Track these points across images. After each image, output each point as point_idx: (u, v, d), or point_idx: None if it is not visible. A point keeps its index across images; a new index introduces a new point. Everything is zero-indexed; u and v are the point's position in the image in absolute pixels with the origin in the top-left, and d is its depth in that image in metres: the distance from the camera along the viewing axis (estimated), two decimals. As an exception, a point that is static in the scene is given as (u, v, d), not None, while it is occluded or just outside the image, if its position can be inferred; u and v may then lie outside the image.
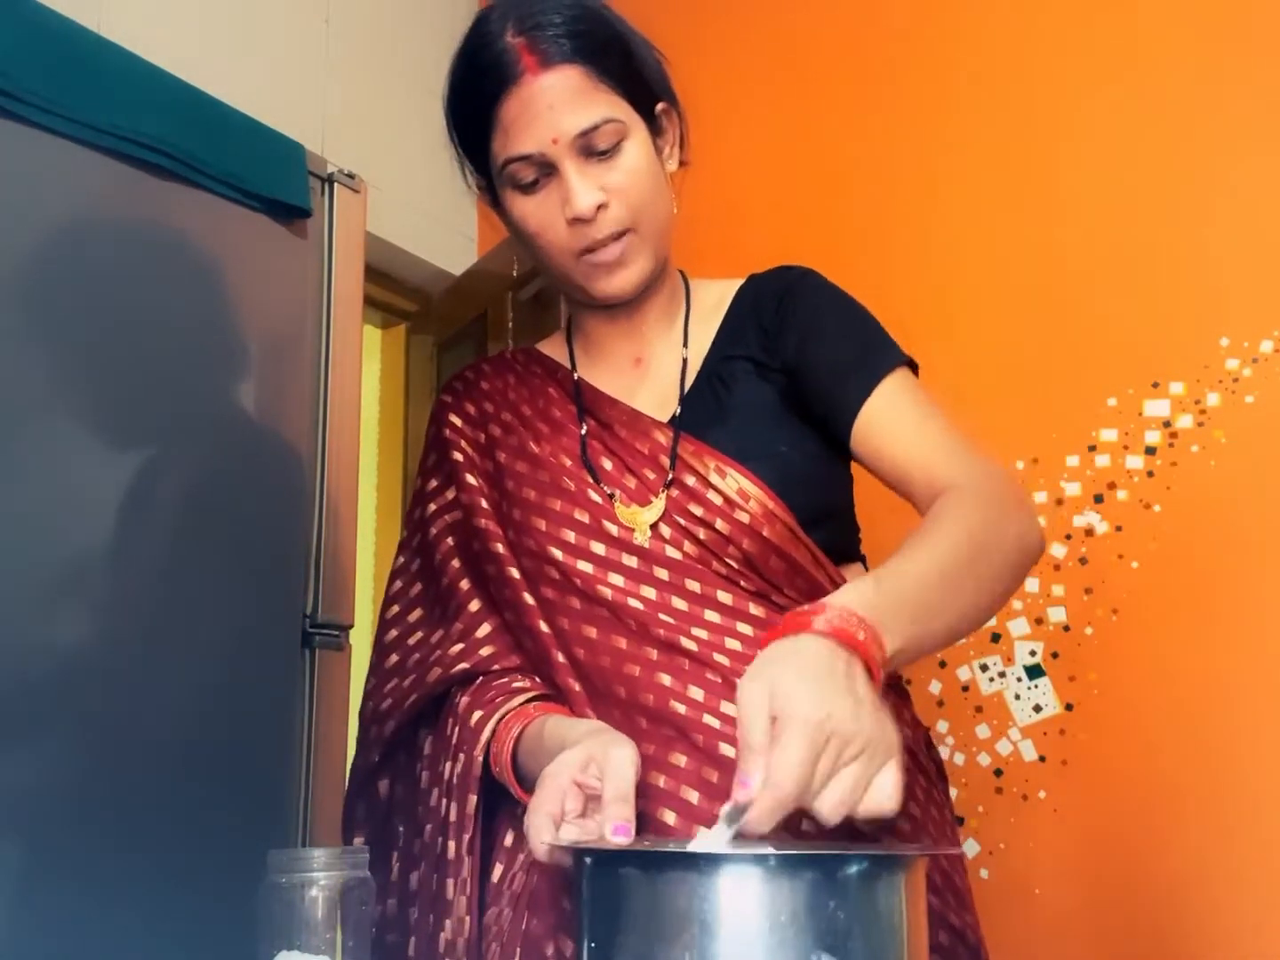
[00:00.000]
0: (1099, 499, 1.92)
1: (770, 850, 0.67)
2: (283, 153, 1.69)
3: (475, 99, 1.06)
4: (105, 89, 1.45)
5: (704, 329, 1.14)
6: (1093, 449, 1.93)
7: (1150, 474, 1.88)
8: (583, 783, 0.86)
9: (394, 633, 1.14)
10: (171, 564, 1.48)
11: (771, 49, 2.36)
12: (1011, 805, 1.92)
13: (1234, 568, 1.80)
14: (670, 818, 0.92)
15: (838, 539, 1.08)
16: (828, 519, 1.06)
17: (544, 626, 1.03)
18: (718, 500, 1.02)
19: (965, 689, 1.98)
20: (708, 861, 0.66)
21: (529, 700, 1.00)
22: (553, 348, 1.21)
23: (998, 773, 1.93)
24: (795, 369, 1.08)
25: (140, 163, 1.48)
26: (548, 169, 1.03)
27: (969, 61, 2.17)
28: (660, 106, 1.10)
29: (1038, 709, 1.93)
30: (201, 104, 1.59)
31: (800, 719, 0.71)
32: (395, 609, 1.16)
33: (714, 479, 1.02)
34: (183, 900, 1.40)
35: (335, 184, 1.78)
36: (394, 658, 1.13)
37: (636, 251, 1.06)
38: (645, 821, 0.92)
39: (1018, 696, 1.95)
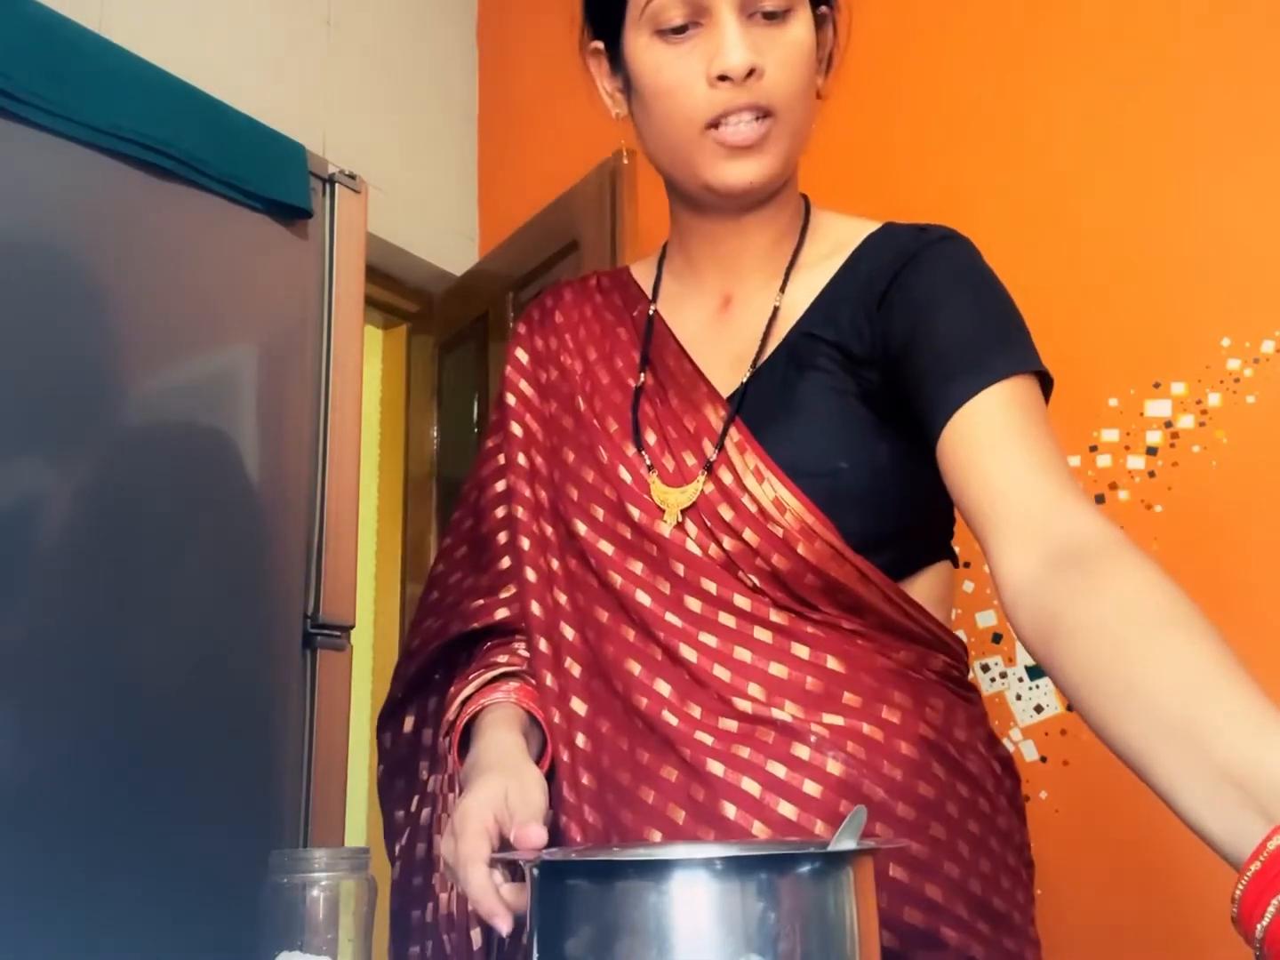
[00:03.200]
0: (1100, 499, 1.92)
1: (701, 853, 0.65)
2: (283, 153, 1.69)
3: None
4: (106, 89, 1.45)
5: (810, 277, 0.99)
6: (1094, 449, 1.93)
7: (1151, 474, 1.88)
8: (500, 819, 0.81)
9: (440, 567, 1.10)
10: (172, 564, 1.48)
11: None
12: (1013, 806, 1.92)
13: (1235, 568, 1.80)
14: (656, 837, 0.88)
15: (909, 553, 0.96)
16: (895, 538, 0.94)
17: (538, 610, 0.98)
18: (751, 508, 0.91)
19: (966, 689, 1.98)
20: (638, 867, 0.63)
21: (499, 676, 0.97)
22: (643, 271, 1.10)
23: (999, 773, 1.93)
24: (898, 358, 0.91)
25: (141, 163, 1.49)
26: (700, 16, 0.91)
27: (969, 62, 2.17)
28: (824, 9, 0.99)
29: (1039, 709, 1.93)
30: (202, 104, 1.59)
31: None
32: (448, 541, 1.11)
33: (750, 482, 0.92)
34: (184, 900, 1.40)
35: (336, 184, 1.78)
36: (434, 594, 1.09)
37: (775, 141, 0.93)
38: (630, 837, 0.89)
39: (1019, 697, 1.95)
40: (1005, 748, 1.00)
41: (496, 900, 0.77)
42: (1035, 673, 1.94)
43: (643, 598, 0.95)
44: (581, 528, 0.98)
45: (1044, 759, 1.91)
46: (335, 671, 1.68)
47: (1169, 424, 1.88)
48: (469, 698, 0.96)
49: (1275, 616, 1.76)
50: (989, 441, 0.83)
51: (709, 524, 0.93)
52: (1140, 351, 1.92)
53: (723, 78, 0.90)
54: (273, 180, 1.65)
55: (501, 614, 1.02)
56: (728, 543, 0.92)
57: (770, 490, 0.91)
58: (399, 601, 2.71)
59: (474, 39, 2.97)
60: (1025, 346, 0.89)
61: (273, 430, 1.65)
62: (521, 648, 1.01)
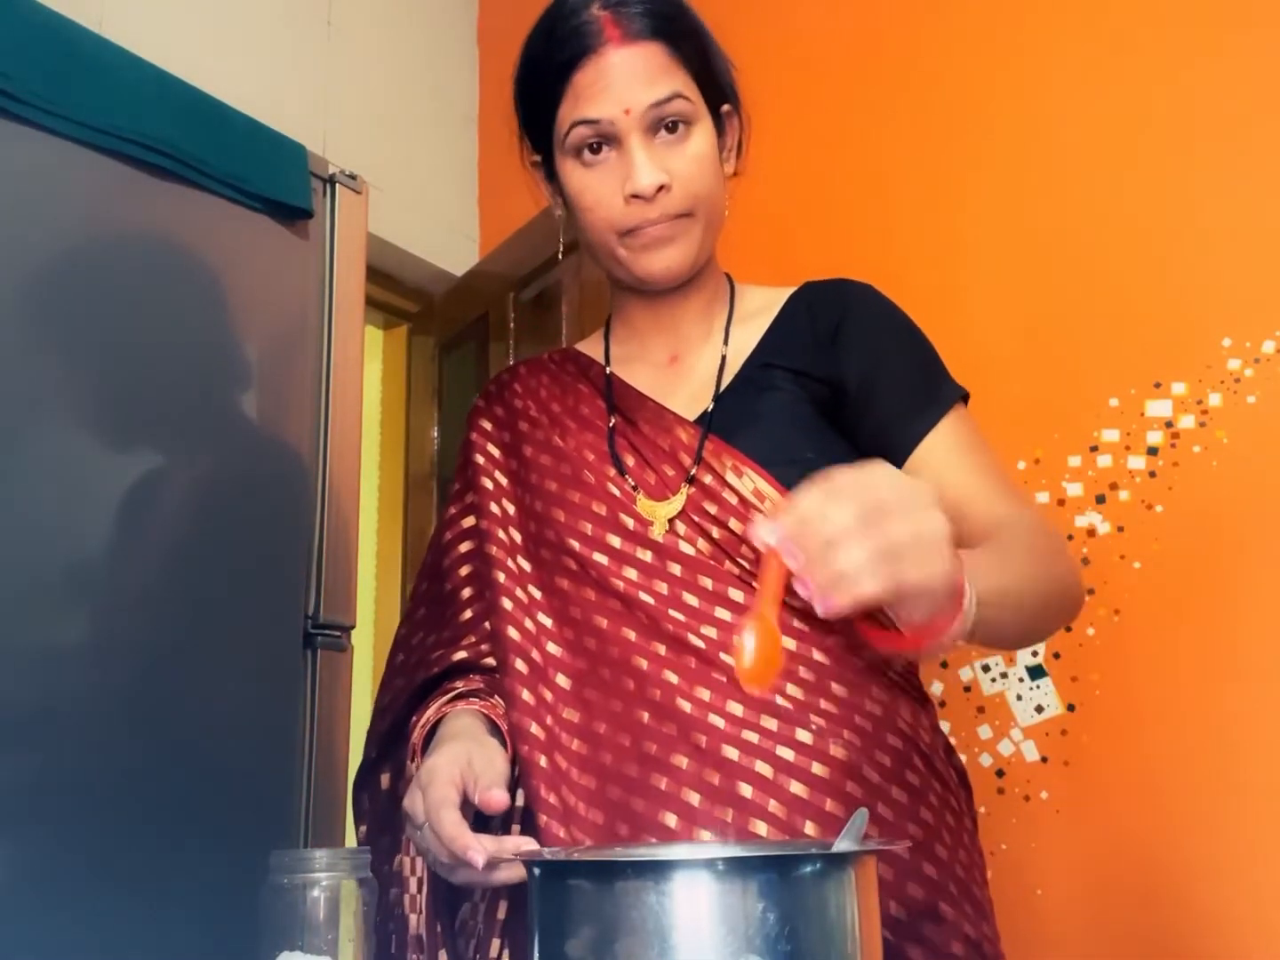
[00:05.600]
0: (1101, 499, 1.92)
1: (701, 853, 0.65)
2: (284, 153, 1.69)
3: (550, 65, 1.05)
4: (106, 90, 1.45)
5: (747, 331, 1.13)
6: (1095, 449, 1.93)
7: (1152, 474, 1.88)
8: (465, 778, 0.88)
9: (404, 630, 1.17)
10: (173, 565, 1.48)
11: (782, 55, 2.36)
12: (1013, 806, 1.91)
13: (1236, 568, 1.80)
14: (671, 820, 0.92)
15: None
16: None
17: (515, 634, 1.03)
18: (733, 500, 1.01)
19: (967, 689, 1.98)
20: (638, 867, 0.63)
21: (455, 698, 1.03)
22: (591, 345, 1.21)
23: (1000, 773, 1.93)
24: (852, 393, 1.07)
25: (141, 164, 1.48)
26: (613, 142, 1.03)
27: (970, 63, 2.17)
28: (725, 108, 1.11)
29: (1040, 709, 1.93)
30: (203, 105, 1.59)
31: (846, 490, 0.69)
32: (410, 606, 1.18)
33: (730, 478, 1.02)
34: (185, 901, 1.40)
35: (337, 185, 1.78)
36: (400, 656, 1.15)
37: (686, 234, 1.05)
38: (644, 824, 0.93)
39: (1020, 697, 1.94)
40: (960, 760, 1.11)
41: (471, 836, 0.83)
42: (1035, 673, 1.94)
43: (646, 598, 1.01)
44: (575, 544, 1.05)
45: (1044, 759, 1.91)
46: (336, 671, 1.68)
47: (1170, 424, 1.88)
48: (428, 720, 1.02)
49: (1276, 616, 1.76)
50: (946, 467, 1.02)
51: (696, 519, 1.02)
52: (1141, 351, 1.92)
53: (636, 196, 1.02)
54: (273, 180, 1.64)
55: (459, 656, 1.07)
56: (716, 533, 1.01)
57: (750, 482, 1.01)
58: (399, 601, 2.71)
59: (474, 39, 2.97)
60: (949, 378, 1.09)
61: (273, 430, 1.65)
62: (478, 675, 1.06)
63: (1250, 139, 1.88)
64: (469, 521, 1.14)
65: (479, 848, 0.82)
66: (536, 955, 0.65)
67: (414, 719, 1.04)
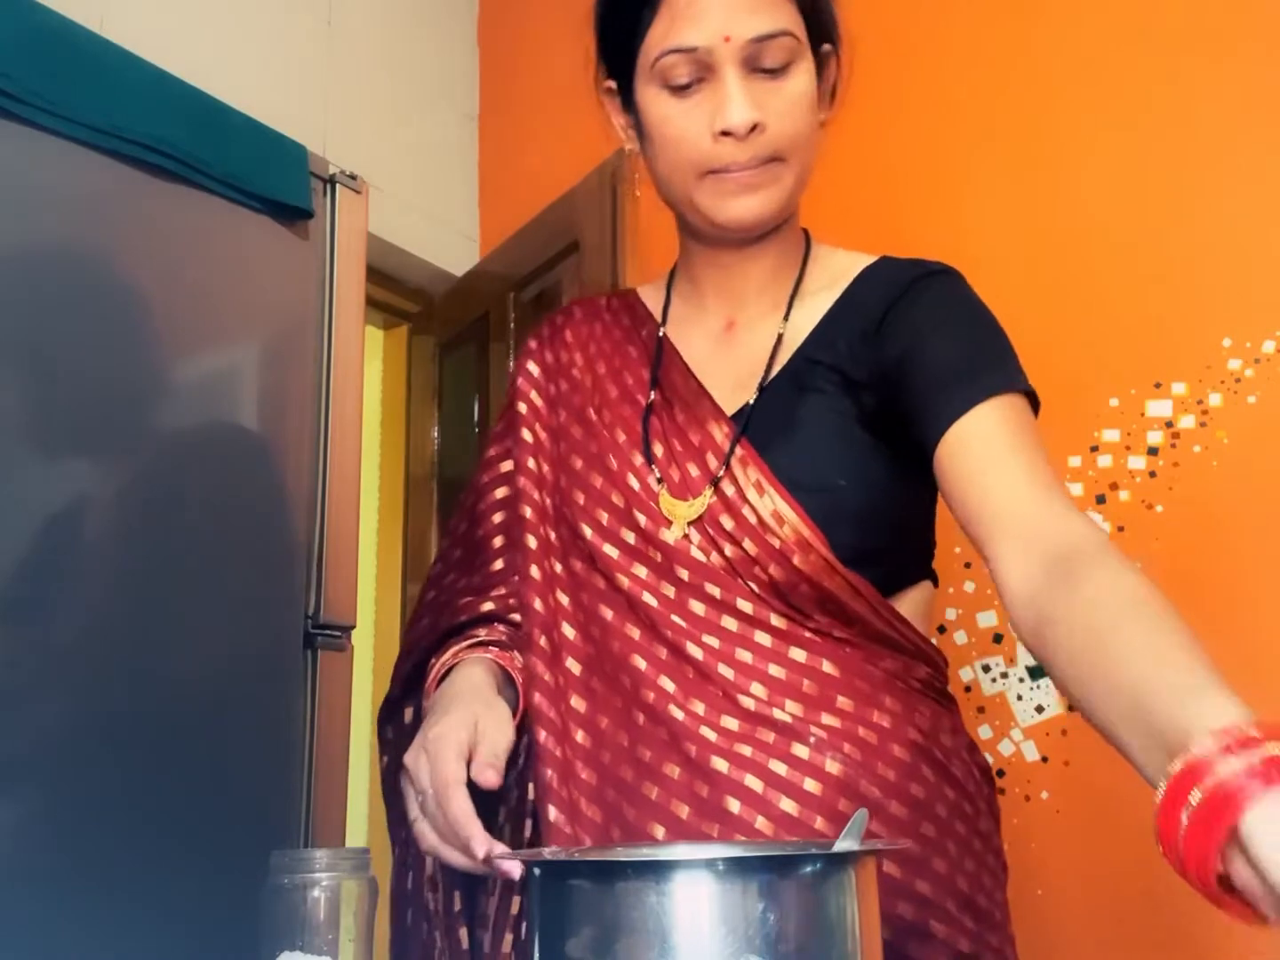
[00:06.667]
0: (1101, 499, 1.91)
1: (702, 853, 0.65)
2: (284, 154, 1.69)
3: None
4: (107, 90, 1.45)
5: (811, 305, 1.04)
6: (1095, 449, 1.93)
7: (1152, 474, 1.88)
8: (471, 744, 0.87)
9: (438, 567, 1.14)
10: (173, 564, 1.48)
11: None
12: (1014, 806, 1.91)
13: (1236, 568, 1.80)
14: (659, 832, 0.90)
15: (896, 570, 1.00)
16: (885, 554, 0.98)
17: (539, 606, 1.01)
18: (751, 519, 0.95)
19: (968, 689, 1.98)
20: (638, 868, 0.63)
21: (473, 645, 1.00)
22: (652, 294, 1.14)
23: (1000, 773, 1.93)
24: (893, 378, 0.96)
25: (142, 164, 1.49)
26: (706, 73, 0.94)
27: (971, 65, 2.17)
28: (827, 48, 1.02)
29: (1040, 710, 1.93)
30: (203, 105, 1.59)
31: None
32: (446, 543, 1.15)
33: (751, 495, 0.96)
34: (185, 901, 1.40)
35: (337, 185, 1.78)
36: (430, 593, 1.13)
37: (776, 181, 0.97)
38: (634, 833, 0.91)
39: (1020, 697, 1.94)
40: (984, 756, 1.06)
41: (477, 826, 0.81)
42: (1036, 673, 1.93)
43: (649, 599, 0.98)
44: (588, 531, 1.01)
45: (1045, 759, 1.91)
46: (336, 672, 1.68)
47: (1170, 424, 1.88)
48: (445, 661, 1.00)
49: (1276, 616, 1.76)
50: (985, 454, 0.89)
51: (711, 532, 0.97)
52: (1141, 351, 1.92)
53: (726, 133, 0.94)
54: (273, 180, 1.65)
55: (487, 607, 1.05)
56: (729, 550, 0.97)
57: (770, 503, 0.95)
58: (399, 601, 2.71)
59: (474, 39, 2.97)
60: (1015, 368, 0.95)
61: (273, 431, 1.65)
62: (503, 626, 1.04)
63: (1251, 139, 1.88)
64: (507, 466, 1.09)
65: (482, 839, 0.81)
66: (536, 955, 0.65)
67: (432, 660, 1.01)
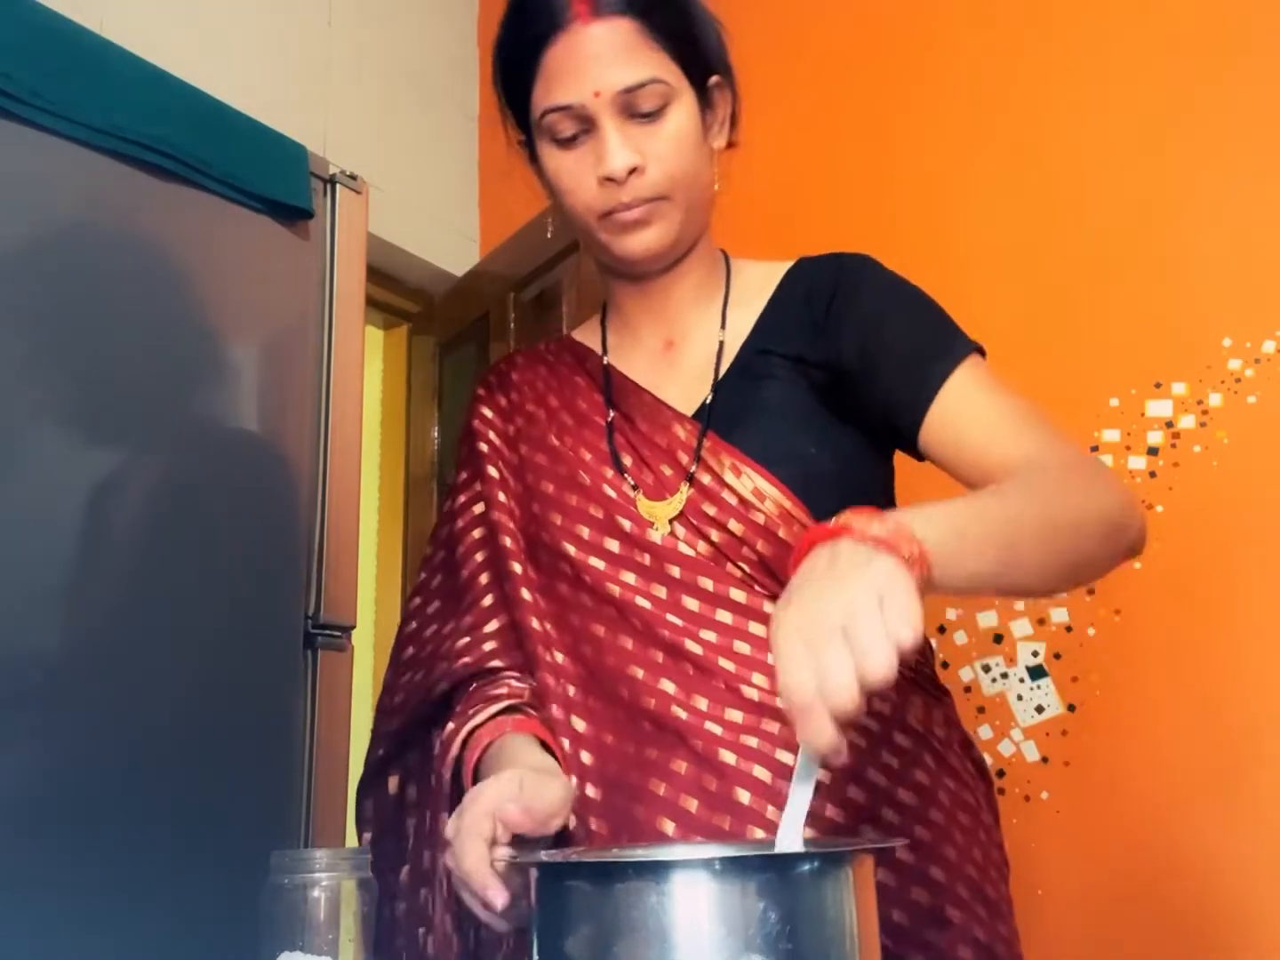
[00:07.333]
0: (1101, 499, 1.92)
1: (701, 853, 0.65)
2: (285, 154, 1.69)
3: (521, 44, 1.03)
4: (107, 90, 1.45)
5: (744, 312, 1.09)
6: (1095, 449, 1.93)
7: (1153, 474, 1.88)
8: (504, 818, 0.80)
9: (413, 624, 1.14)
10: (173, 564, 1.48)
11: (784, 36, 2.35)
12: (1014, 806, 1.91)
13: (1236, 568, 1.80)
14: (669, 827, 0.91)
15: None
16: None
17: (537, 625, 1.01)
18: (732, 500, 0.98)
19: (968, 690, 1.98)
20: (638, 868, 0.63)
21: (504, 710, 0.98)
22: (587, 334, 1.18)
23: (1000, 773, 1.93)
24: (852, 369, 1.02)
25: (142, 164, 1.49)
26: (587, 124, 1.00)
27: (969, 59, 2.17)
28: (713, 80, 1.06)
29: (1040, 710, 1.93)
30: (203, 105, 1.59)
31: (784, 630, 0.67)
32: (417, 601, 1.15)
33: (729, 478, 0.99)
34: (185, 901, 1.40)
35: (337, 185, 1.78)
36: (409, 650, 1.12)
37: (663, 216, 1.02)
38: (644, 831, 0.91)
39: (1020, 697, 1.94)
40: (979, 752, 1.08)
41: (490, 874, 0.78)
42: (1036, 673, 1.93)
43: (642, 602, 0.99)
44: (570, 549, 1.03)
45: (1045, 759, 1.91)
46: (336, 672, 1.68)
47: (1170, 424, 1.88)
48: (476, 728, 0.96)
49: (1276, 616, 1.76)
50: (970, 415, 0.98)
51: (695, 522, 0.99)
52: (1141, 351, 1.92)
53: (609, 179, 0.99)
54: (274, 180, 1.65)
55: (489, 646, 1.03)
56: (715, 535, 0.99)
57: (749, 481, 0.99)
58: (399, 601, 2.71)
59: (474, 39, 2.97)
60: (960, 332, 1.03)
61: (273, 431, 1.65)
62: (515, 681, 1.01)
63: (1251, 139, 1.88)
64: (479, 508, 1.10)
65: (499, 889, 0.78)
66: (536, 955, 0.65)
67: (454, 725, 0.98)
